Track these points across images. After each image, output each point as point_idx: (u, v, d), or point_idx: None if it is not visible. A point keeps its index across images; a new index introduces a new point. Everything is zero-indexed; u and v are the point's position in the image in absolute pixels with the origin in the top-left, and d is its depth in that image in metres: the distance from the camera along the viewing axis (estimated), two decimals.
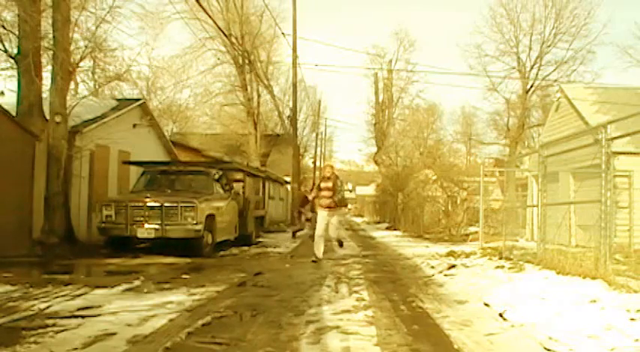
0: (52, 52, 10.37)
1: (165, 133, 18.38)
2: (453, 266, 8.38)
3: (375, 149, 40.43)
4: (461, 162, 27.72)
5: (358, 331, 4.24)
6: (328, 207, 10.04)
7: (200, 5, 15.20)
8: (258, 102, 26.54)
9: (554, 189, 11.32)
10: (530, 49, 28.29)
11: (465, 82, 69.57)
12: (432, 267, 8.67)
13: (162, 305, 5.14)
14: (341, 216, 11.59)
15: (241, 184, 13.61)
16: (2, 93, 12.09)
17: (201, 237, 10.01)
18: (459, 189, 18.81)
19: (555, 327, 4.15)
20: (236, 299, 5.65)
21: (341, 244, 11.15)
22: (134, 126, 14.62)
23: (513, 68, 28.71)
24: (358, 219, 44.76)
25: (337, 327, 4.35)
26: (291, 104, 25.86)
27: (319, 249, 9.92)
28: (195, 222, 9.81)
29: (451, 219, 17.80)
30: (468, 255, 9.67)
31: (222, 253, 11.03)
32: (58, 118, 10.19)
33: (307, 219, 16.92)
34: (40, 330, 4.03)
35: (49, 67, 10.60)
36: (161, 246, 10.08)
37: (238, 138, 26.78)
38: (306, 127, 38.52)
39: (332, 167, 11.19)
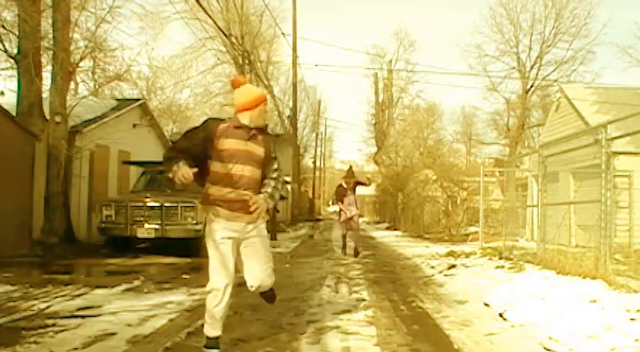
0: (52, 52, 10.37)
1: (165, 133, 18.38)
2: (453, 266, 8.38)
3: (375, 149, 40.44)
4: (461, 162, 27.73)
5: (358, 331, 4.24)
6: (231, 210, 3.46)
7: (200, 5, 15.18)
8: None
9: (554, 189, 11.32)
10: (530, 49, 28.31)
11: (465, 81, 69.77)
12: (432, 267, 8.67)
13: (162, 305, 5.14)
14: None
15: None
16: (2, 93, 12.10)
17: (201, 237, 10.00)
18: (459, 189, 18.81)
19: (555, 327, 4.15)
20: (236, 299, 5.64)
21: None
22: (134, 126, 14.62)
23: (513, 68, 28.73)
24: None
25: (337, 327, 4.35)
26: (291, 104, 25.86)
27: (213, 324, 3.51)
28: (195, 222, 9.81)
29: (451, 219, 17.80)
30: (468, 255, 9.67)
31: None
32: (58, 118, 10.19)
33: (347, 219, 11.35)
34: (40, 330, 4.03)
35: (49, 67, 10.61)
36: (161, 246, 10.08)
37: None
38: (306, 127, 38.60)
39: (254, 91, 3.66)
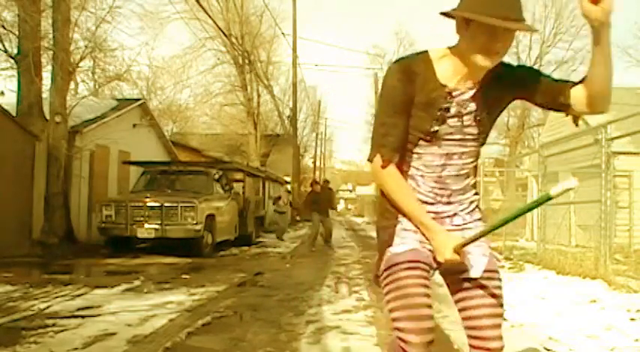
0: (52, 52, 10.38)
1: (165, 133, 18.39)
2: None
3: None
4: None
5: (358, 331, 4.24)
6: None
7: (200, 5, 15.19)
8: (258, 102, 26.55)
9: None
10: (530, 48, 28.32)
11: None
12: None
13: (162, 305, 5.14)
14: None
15: (241, 184, 13.62)
16: (2, 93, 12.10)
17: (201, 237, 10.01)
18: None
19: (555, 327, 4.15)
20: (236, 299, 5.65)
21: None
22: (134, 126, 14.61)
23: None
24: (358, 219, 44.77)
25: (337, 327, 4.35)
26: (291, 104, 25.89)
27: None
28: (195, 222, 9.81)
29: None
30: None
31: (222, 253, 11.02)
32: (58, 118, 10.19)
33: None
34: (40, 330, 4.03)
35: (49, 67, 10.62)
36: (161, 246, 10.08)
37: (238, 138, 26.78)
38: (306, 127, 38.55)
39: None
